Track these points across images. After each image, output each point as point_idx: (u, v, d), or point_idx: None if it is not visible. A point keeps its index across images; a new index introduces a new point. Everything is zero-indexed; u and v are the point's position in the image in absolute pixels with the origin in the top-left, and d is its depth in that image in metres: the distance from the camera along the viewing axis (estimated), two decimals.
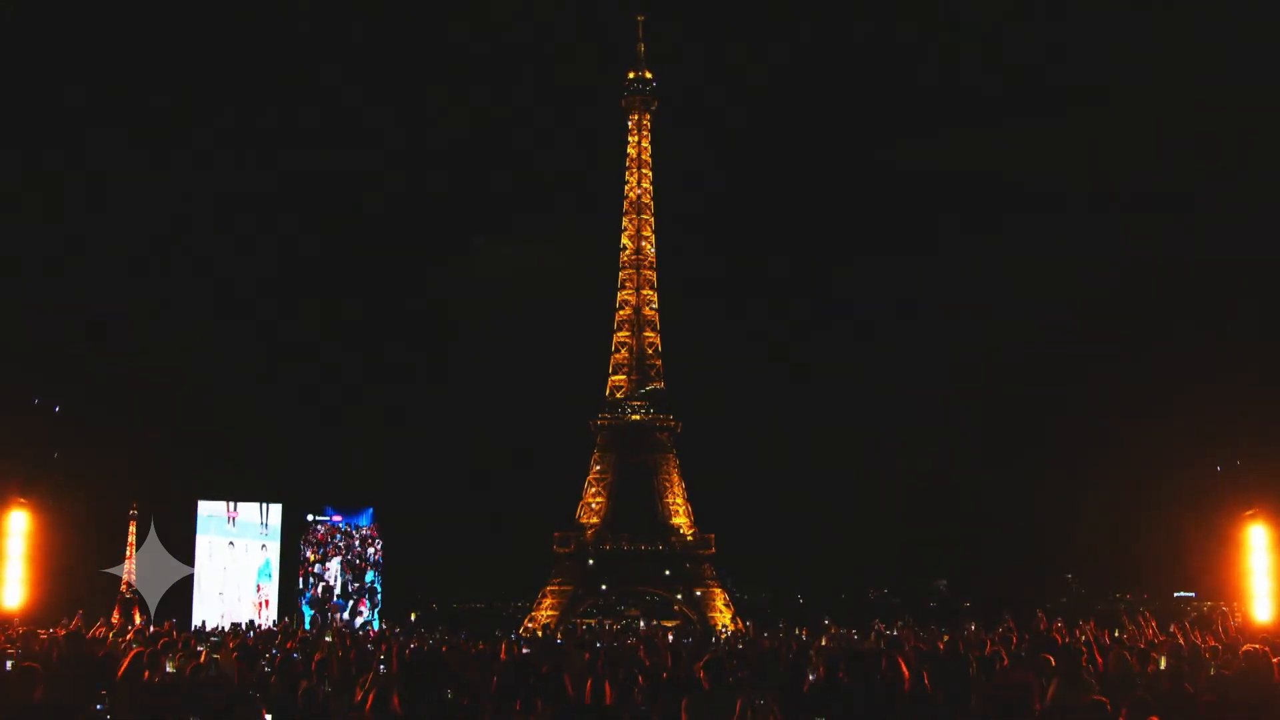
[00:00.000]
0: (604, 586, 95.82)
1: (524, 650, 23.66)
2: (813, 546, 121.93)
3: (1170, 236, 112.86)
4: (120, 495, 46.13)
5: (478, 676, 16.09)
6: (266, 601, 44.27)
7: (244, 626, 32.46)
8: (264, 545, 44.41)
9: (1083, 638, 22.05)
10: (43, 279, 79.16)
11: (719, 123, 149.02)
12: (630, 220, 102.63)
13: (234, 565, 43.61)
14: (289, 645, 22.10)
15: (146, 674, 12.87)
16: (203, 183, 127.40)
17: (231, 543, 43.66)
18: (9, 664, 10.63)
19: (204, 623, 36.26)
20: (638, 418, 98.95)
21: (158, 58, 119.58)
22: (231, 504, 43.90)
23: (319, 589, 48.43)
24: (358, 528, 50.13)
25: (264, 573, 44.26)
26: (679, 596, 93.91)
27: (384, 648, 21.98)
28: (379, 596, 50.12)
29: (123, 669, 12.77)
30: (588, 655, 20.49)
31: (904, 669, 12.53)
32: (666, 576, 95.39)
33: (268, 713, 12.15)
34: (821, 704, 12.65)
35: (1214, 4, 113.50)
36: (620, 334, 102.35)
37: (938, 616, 53.29)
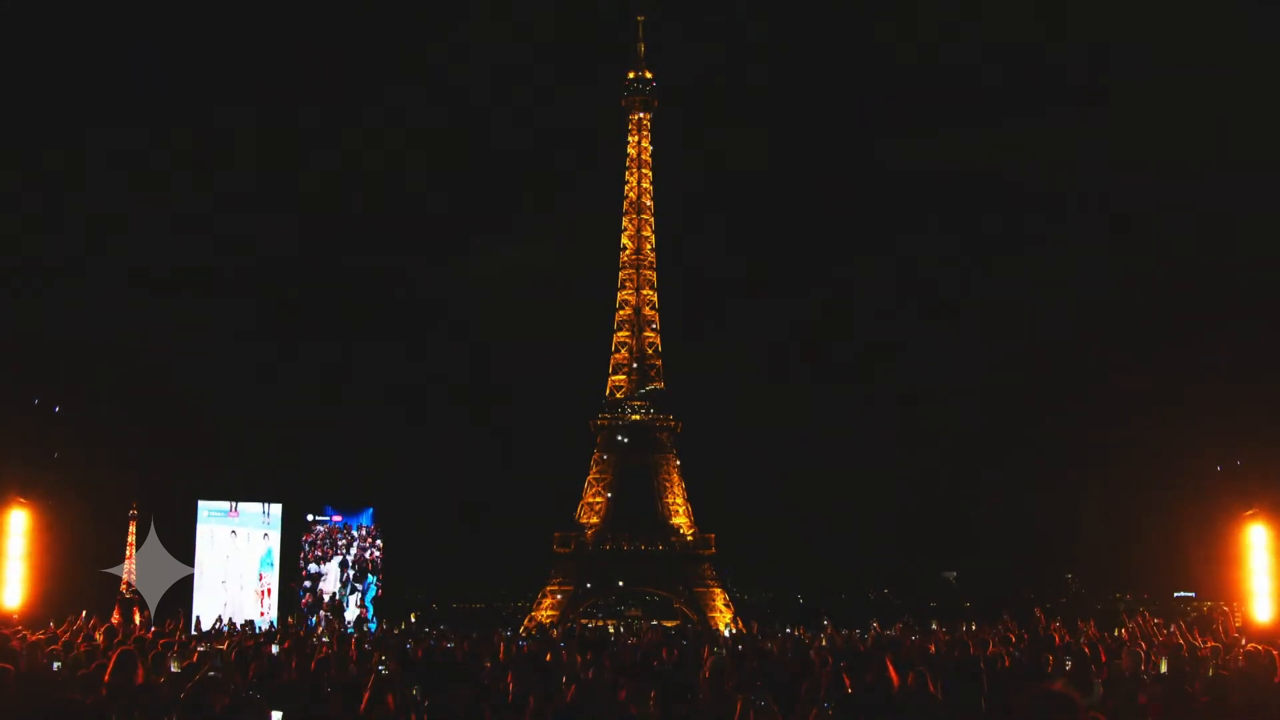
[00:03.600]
0: (589, 585, 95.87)
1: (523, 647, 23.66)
2: (813, 546, 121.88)
3: (1169, 235, 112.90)
4: (120, 495, 46.15)
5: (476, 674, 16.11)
6: (269, 590, 44.31)
7: (241, 626, 32.44)
8: (265, 534, 44.43)
9: (1083, 640, 22.08)
10: (42, 277, 79.16)
11: (719, 118, 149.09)
12: (630, 220, 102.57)
13: (236, 554, 43.66)
14: (285, 645, 22.08)
15: (141, 676, 12.82)
16: (200, 182, 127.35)
17: (234, 531, 43.67)
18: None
19: (198, 619, 36.23)
20: (638, 418, 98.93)
21: (148, 62, 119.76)
22: (233, 504, 43.92)
23: (318, 589, 48.45)
24: (358, 527, 50.13)
25: (266, 561, 44.30)
26: (679, 596, 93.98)
27: (383, 648, 21.97)
28: (378, 597, 50.12)
29: (109, 672, 12.72)
30: (589, 655, 20.48)
31: (893, 672, 12.51)
32: (667, 576, 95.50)
33: (273, 713, 12.13)
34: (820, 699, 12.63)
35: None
36: (620, 334, 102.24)
37: (939, 615, 53.28)
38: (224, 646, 19.79)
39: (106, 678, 12.56)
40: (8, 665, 11.38)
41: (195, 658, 15.48)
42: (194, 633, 28.95)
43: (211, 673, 8.60)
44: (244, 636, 26.63)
